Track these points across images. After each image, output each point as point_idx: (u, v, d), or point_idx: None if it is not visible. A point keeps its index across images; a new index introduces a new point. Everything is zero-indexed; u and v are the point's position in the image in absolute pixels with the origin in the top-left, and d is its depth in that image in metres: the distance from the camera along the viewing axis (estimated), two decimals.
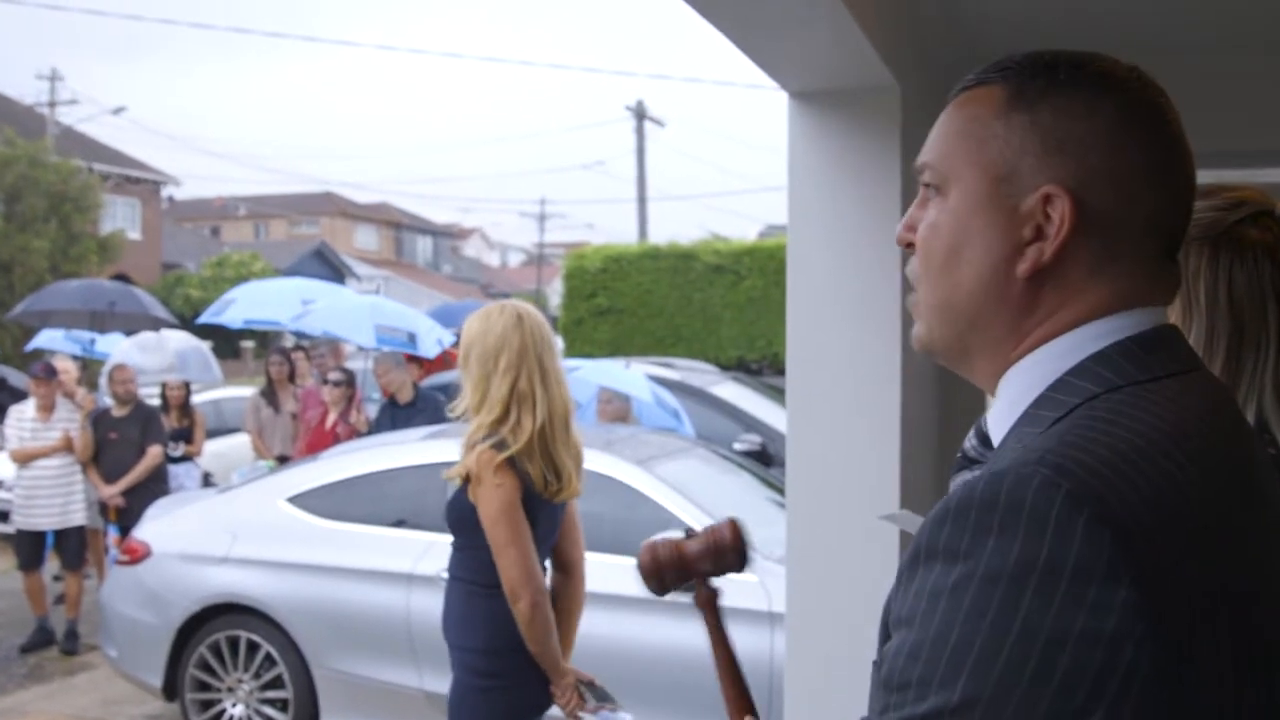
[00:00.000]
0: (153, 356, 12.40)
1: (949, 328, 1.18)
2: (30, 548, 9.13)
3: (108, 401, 9.92)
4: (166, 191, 43.97)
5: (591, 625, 4.08)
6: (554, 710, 3.85)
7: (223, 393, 14.74)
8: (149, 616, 6.82)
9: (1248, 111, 3.62)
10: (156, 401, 10.47)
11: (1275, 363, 1.71)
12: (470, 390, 3.78)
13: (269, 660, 6.53)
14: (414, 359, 10.33)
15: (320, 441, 9.27)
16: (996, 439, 1.14)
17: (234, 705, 6.63)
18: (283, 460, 9.95)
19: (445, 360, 11.64)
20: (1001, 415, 1.14)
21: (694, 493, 6.12)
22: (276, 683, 6.52)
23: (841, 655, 2.76)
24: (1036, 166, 1.11)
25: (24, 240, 28.04)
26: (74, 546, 9.24)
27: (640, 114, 38.48)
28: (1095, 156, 1.10)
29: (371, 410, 10.04)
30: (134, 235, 37.47)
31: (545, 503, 3.79)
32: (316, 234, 53.65)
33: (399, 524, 6.44)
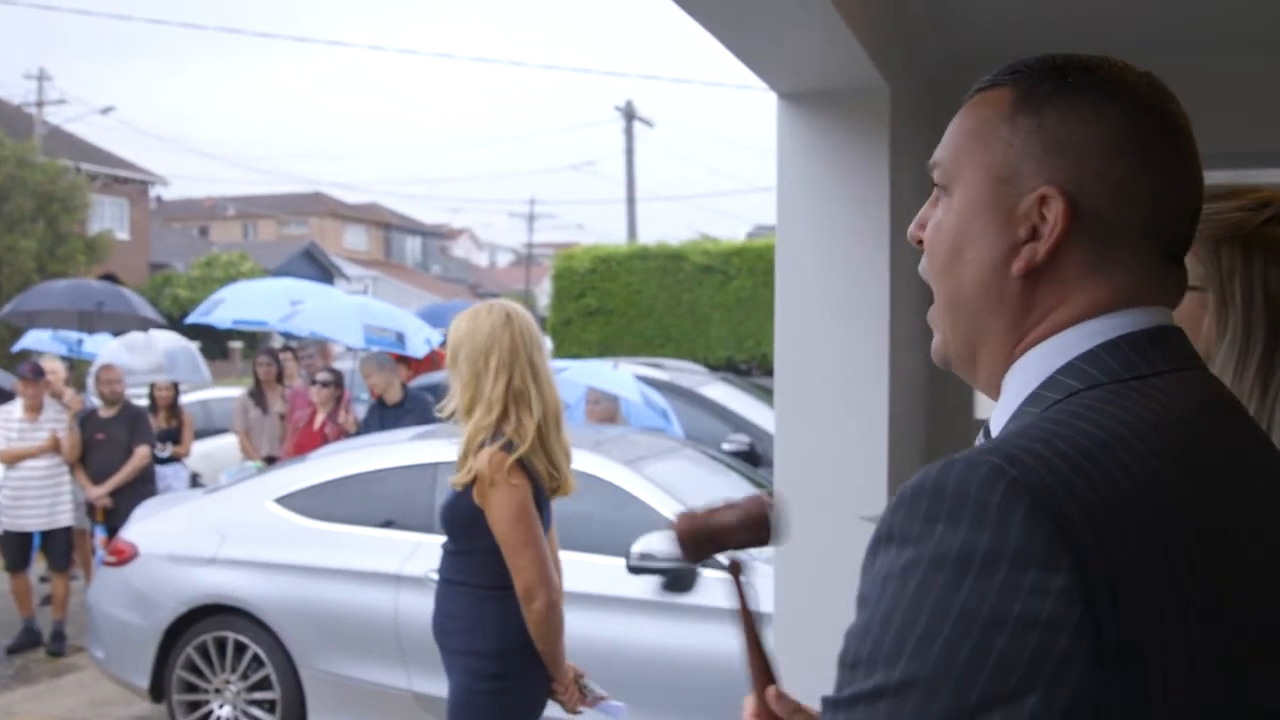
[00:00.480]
0: (141, 357, 12.37)
1: (957, 329, 1.21)
2: (17, 548, 9.10)
3: (95, 402, 9.90)
4: (155, 191, 43.90)
5: (580, 625, 4.08)
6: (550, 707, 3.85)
7: (211, 393, 14.70)
8: (136, 618, 6.80)
9: (1246, 112, 3.63)
10: (144, 402, 10.45)
11: None
12: (460, 390, 3.76)
13: (256, 661, 6.51)
14: (402, 359, 10.32)
15: (308, 442, 9.25)
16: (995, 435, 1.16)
17: (221, 706, 6.61)
18: (270, 461, 9.93)
19: (434, 360, 11.63)
20: (999, 412, 1.17)
21: (682, 493, 6.11)
22: (264, 684, 6.50)
23: (829, 654, 2.76)
24: (1036, 169, 1.13)
25: (11, 240, 27.96)
26: (61, 547, 9.21)
27: (630, 114, 38.50)
28: (1095, 160, 1.12)
29: (360, 411, 10.03)
30: (122, 235, 37.40)
31: (545, 501, 3.79)
32: (305, 234, 53.56)
33: (387, 524, 6.43)
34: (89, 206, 31.26)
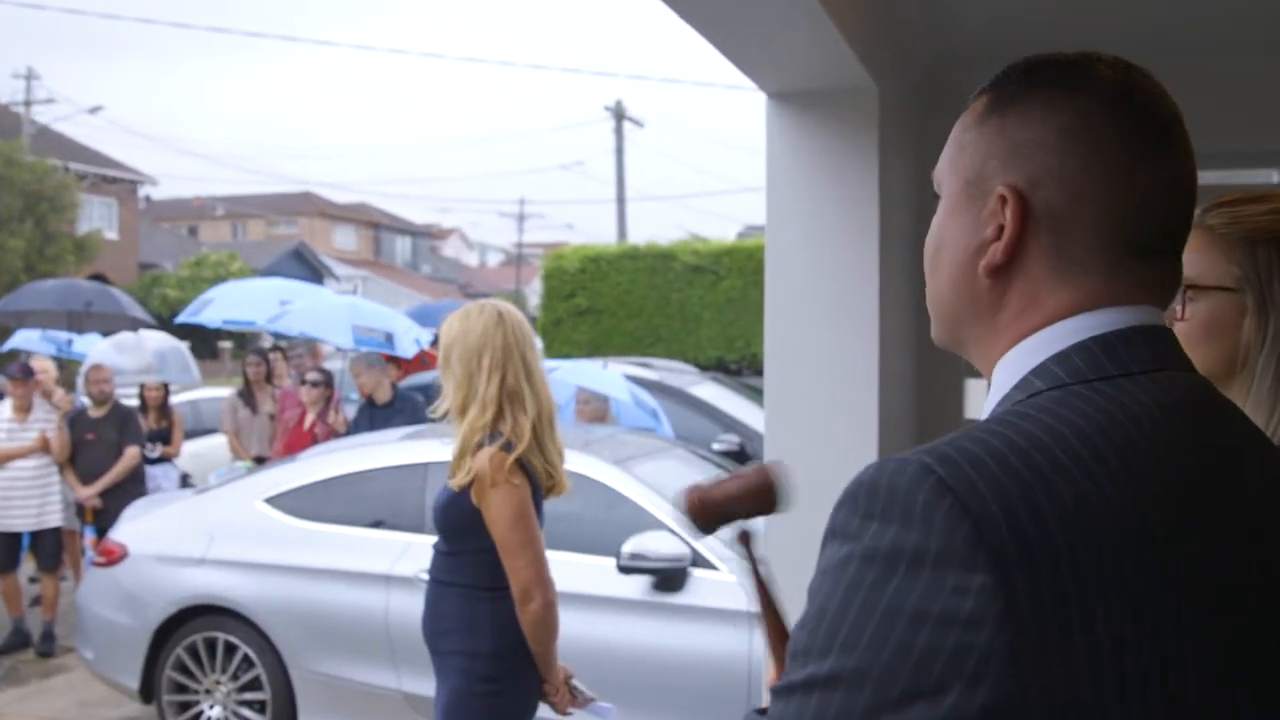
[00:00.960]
0: (131, 357, 12.36)
1: (943, 324, 1.24)
2: (6, 549, 9.07)
3: (85, 402, 9.88)
4: (143, 191, 43.80)
5: (571, 625, 4.08)
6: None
7: (200, 393, 14.69)
8: (126, 618, 6.79)
9: (1245, 112, 3.63)
10: (134, 402, 10.43)
11: None
12: (453, 390, 3.74)
13: (247, 662, 6.50)
14: (392, 359, 10.31)
15: (298, 442, 9.24)
16: None
17: (211, 707, 6.60)
18: (260, 461, 9.92)
19: (423, 361, 11.62)
20: (985, 410, 1.18)
21: (673, 493, 6.12)
22: (254, 684, 6.49)
23: None
24: (998, 169, 1.15)
25: None
26: (50, 548, 9.19)
27: (619, 114, 38.49)
28: (1049, 158, 1.12)
29: (350, 411, 10.02)
30: (111, 235, 37.31)
31: (541, 501, 3.78)
32: (295, 234, 53.47)
33: (377, 525, 6.42)
34: (77, 206, 31.18)
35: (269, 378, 11.00)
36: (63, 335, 12.98)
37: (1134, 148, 1.12)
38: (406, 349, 10.39)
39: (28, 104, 36.71)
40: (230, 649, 6.54)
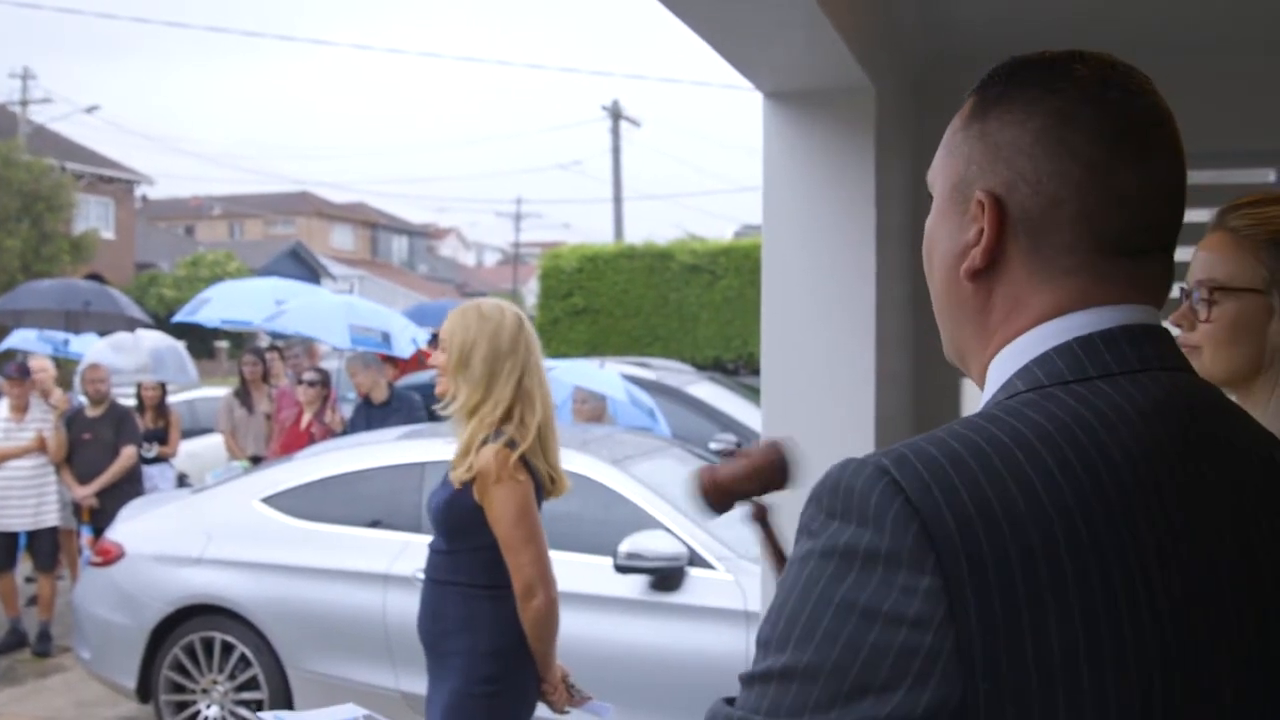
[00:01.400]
0: (128, 356, 12.34)
1: (944, 332, 1.24)
2: (2, 549, 9.07)
3: (82, 401, 9.87)
4: (140, 191, 43.75)
5: (568, 625, 4.08)
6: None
7: (197, 393, 14.67)
8: (122, 618, 6.79)
9: (1238, 111, 3.63)
10: (131, 402, 10.43)
11: None
12: (469, 390, 3.72)
13: (244, 661, 6.50)
14: (389, 359, 10.30)
15: (295, 442, 9.24)
16: None
17: (208, 707, 6.60)
18: (256, 460, 9.91)
19: (420, 360, 11.61)
20: None
21: (669, 492, 6.12)
22: (251, 684, 6.49)
23: None
24: (978, 173, 1.15)
25: None
26: (47, 547, 9.19)
27: (616, 114, 38.49)
28: (1025, 162, 1.12)
29: (346, 410, 10.02)
30: (107, 235, 37.28)
31: (541, 502, 3.78)
32: (292, 234, 53.44)
33: (374, 524, 6.42)
34: (74, 206, 31.14)
35: (265, 377, 11.00)
36: (60, 335, 12.98)
37: (1112, 148, 1.11)
38: (403, 348, 10.39)
39: (24, 103, 36.66)
40: (227, 649, 6.54)
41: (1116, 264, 1.12)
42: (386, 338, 10.20)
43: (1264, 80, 3.65)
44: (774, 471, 1.74)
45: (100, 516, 8.89)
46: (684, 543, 5.67)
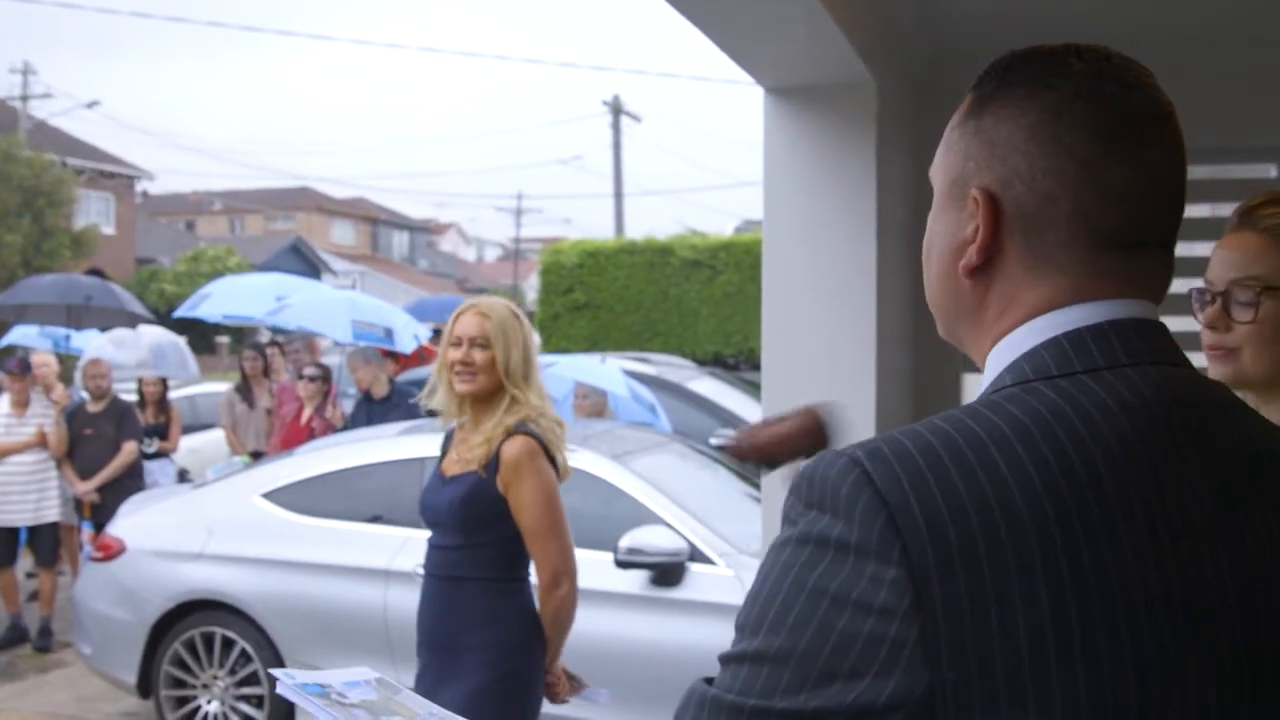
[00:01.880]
0: (128, 352, 12.34)
1: (940, 321, 1.24)
2: (3, 544, 9.07)
3: (84, 396, 9.87)
4: (141, 186, 43.72)
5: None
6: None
7: (198, 388, 14.68)
8: (123, 613, 6.79)
9: (1237, 108, 3.63)
10: (132, 397, 10.43)
11: None
12: (511, 385, 3.82)
13: (244, 657, 6.51)
14: (390, 354, 10.30)
15: (295, 437, 9.24)
16: None
17: (209, 702, 6.61)
18: (257, 456, 9.91)
19: (421, 356, 11.62)
20: None
21: (670, 488, 6.12)
22: (252, 679, 6.50)
23: None
24: (975, 170, 1.15)
25: None
26: (48, 543, 9.19)
27: (617, 109, 38.49)
28: (1019, 158, 1.12)
29: (347, 406, 10.02)
30: (108, 230, 37.25)
31: None
32: (293, 229, 53.42)
33: (375, 519, 6.43)
34: (75, 201, 31.09)
35: (266, 372, 11.00)
36: (61, 330, 12.96)
37: (1106, 143, 1.11)
38: (405, 344, 10.39)
39: (25, 99, 36.65)
40: (228, 644, 6.55)
41: (1112, 259, 1.12)
42: (389, 333, 10.21)
43: (1265, 76, 3.64)
44: (814, 435, 1.73)
45: (101, 512, 8.89)
46: (685, 538, 5.67)
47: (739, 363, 20.95)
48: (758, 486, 6.00)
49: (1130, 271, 1.13)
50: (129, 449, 9.45)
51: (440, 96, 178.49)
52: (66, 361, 12.91)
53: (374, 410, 9.12)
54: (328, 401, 9.59)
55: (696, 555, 5.65)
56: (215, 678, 6.58)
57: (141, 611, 6.72)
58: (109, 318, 13.47)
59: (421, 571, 3.95)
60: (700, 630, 5.45)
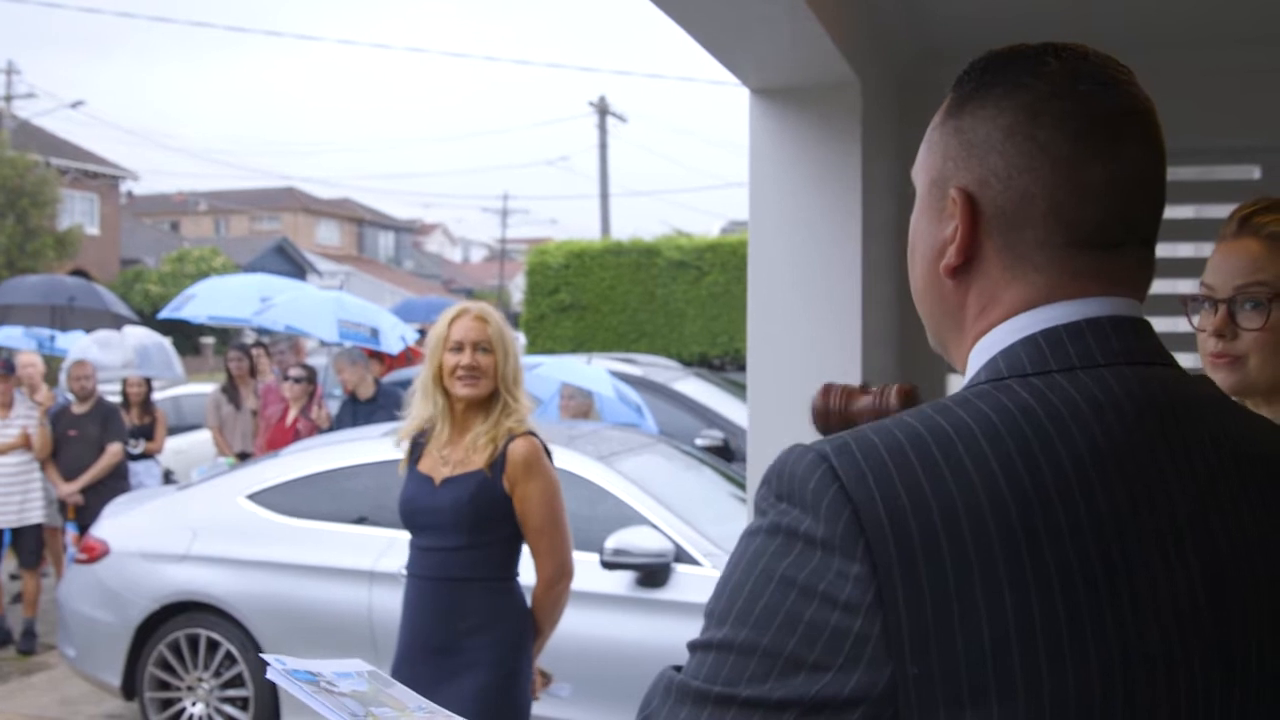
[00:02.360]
0: (113, 353, 12.31)
1: (927, 326, 1.24)
2: None
3: (69, 398, 9.84)
4: (125, 186, 43.60)
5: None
6: None
7: (183, 389, 14.65)
8: (107, 615, 6.77)
9: (1217, 108, 3.63)
10: (117, 398, 10.40)
11: None
12: (508, 387, 3.89)
13: (229, 658, 6.49)
14: (375, 355, 10.29)
15: (281, 438, 9.23)
16: None
17: (194, 704, 6.59)
18: (244, 457, 9.89)
19: (408, 356, 11.61)
20: None
21: (656, 488, 6.12)
22: (237, 681, 6.48)
23: None
24: (954, 170, 1.16)
25: None
26: (31, 545, 9.15)
27: (603, 110, 38.50)
28: (996, 158, 1.12)
29: (332, 406, 10.00)
30: (92, 230, 37.15)
31: None
32: (278, 229, 53.33)
33: (360, 521, 6.42)
34: (59, 201, 30.99)
35: (252, 373, 10.97)
36: (45, 331, 12.92)
37: (1083, 141, 1.10)
38: (392, 345, 10.38)
39: (8, 98, 36.53)
40: (213, 645, 6.53)
41: (1091, 258, 1.12)
42: (375, 333, 10.20)
43: (1249, 76, 3.65)
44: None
45: (85, 513, 8.86)
46: (670, 539, 5.67)
47: (725, 363, 20.96)
48: (743, 487, 6.00)
49: (1110, 270, 1.12)
50: (114, 450, 9.42)
51: (426, 97, 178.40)
52: (51, 363, 12.87)
53: (359, 411, 9.11)
54: (313, 402, 9.57)
55: (682, 556, 5.65)
56: (200, 680, 6.56)
57: (126, 613, 6.70)
58: (93, 319, 13.43)
59: (404, 573, 3.95)
60: (686, 631, 5.40)
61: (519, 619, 3.86)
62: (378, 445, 6.78)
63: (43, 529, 9.30)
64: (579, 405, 8.80)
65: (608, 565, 5.59)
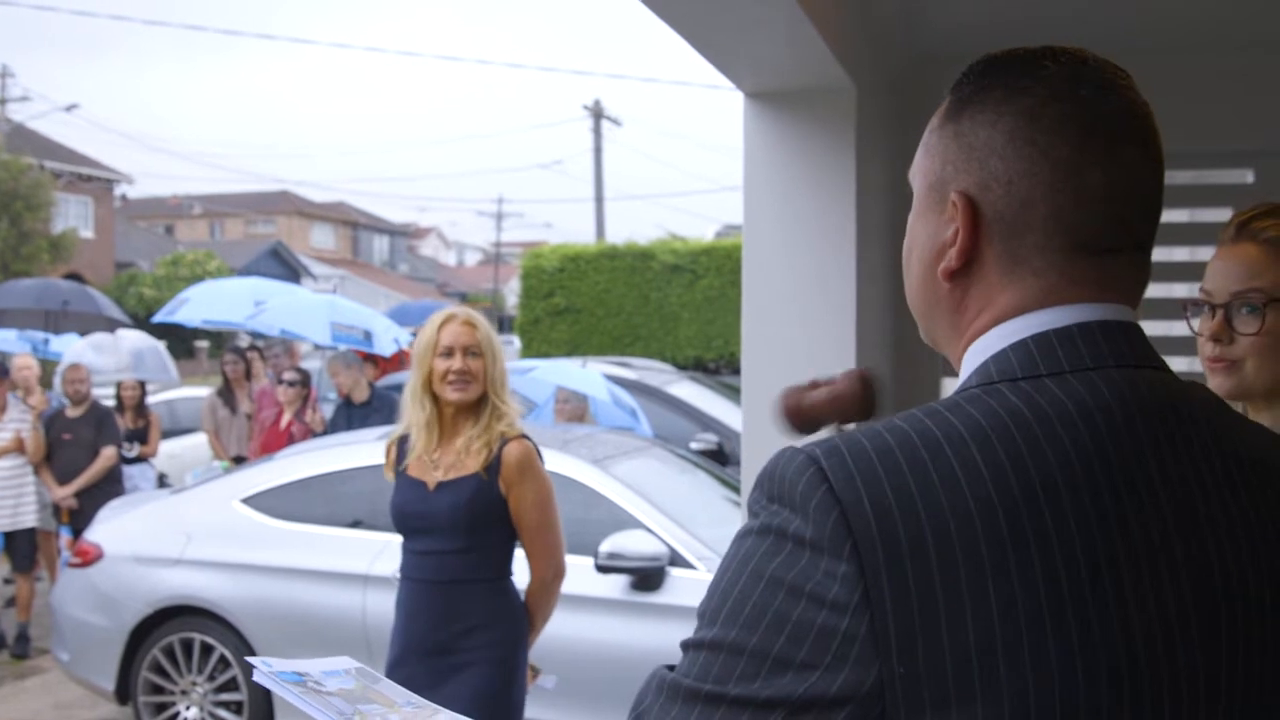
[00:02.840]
0: (107, 356, 12.29)
1: (920, 324, 1.25)
2: None
3: (63, 402, 9.82)
4: (120, 190, 43.57)
5: (550, 626, 4.10)
6: None
7: (177, 393, 14.62)
8: (101, 619, 6.75)
9: (1212, 112, 3.64)
10: (111, 402, 10.38)
11: None
12: (496, 391, 3.93)
13: (223, 662, 6.48)
14: (369, 358, 10.28)
15: (275, 441, 9.21)
16: None
17: (188, 708, 6.57)
18: (239, 461, 9.88)
19: (401, 360, 11.60)
20: None
21: (651, 492, 6.12)
22: (231, 685, 6.47)
23: None
24: (954, 174, 1.15)
25: None
26: (25, 548, 9.13)
27: (598, 113, 38.51)
28: (996, 162, 1.12)
29: (327, 410, 9.99)
30: (86, 234, 37.12)
31: None
32: (273, 233, 53.30)
33: (355, 524, 6.41)
34: (53, 205, 31.00)
35: (248, 376, 10.96)
36: (39, 335, 12.91)
37: (1082, 146, 1.10)
38: (385, 347, 10.37)
39: (2, 102, 36.54)
40: (207, 650, 6.51)
41: (1087, 263, 1.12)
42: (369, 336, 10.20)
43: (1244, 80, 3.65)
44: (860, 401, 1.71)
45: (79, 517, 8.84)
46: (665, 543, 5.67)
47: (719, 367, 20.98)
48: (738, 490, 5.99)
49: (1105, 275, 1.12)
50: (108, 454, 9.40)
51: (420, 100, 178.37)
52: (45, 366, 12.86)
53: (354, 415, 9.09)
54: (307, 406, 9.56)
55: (677, 560, 5.65)
56: (194, 684, 6.55)
57: (120, 617, 6.68)
58: (87, 322, 13.43)
59: (397, 576, 3.95)
60: (681, 634, 5.41)
61: (515, 618, 3.89)
62: (372, 449, 6.76)
63: (36, 533, 9.27)
64: (574, 409, 8.80)
65: (602, 569, 5.59)
